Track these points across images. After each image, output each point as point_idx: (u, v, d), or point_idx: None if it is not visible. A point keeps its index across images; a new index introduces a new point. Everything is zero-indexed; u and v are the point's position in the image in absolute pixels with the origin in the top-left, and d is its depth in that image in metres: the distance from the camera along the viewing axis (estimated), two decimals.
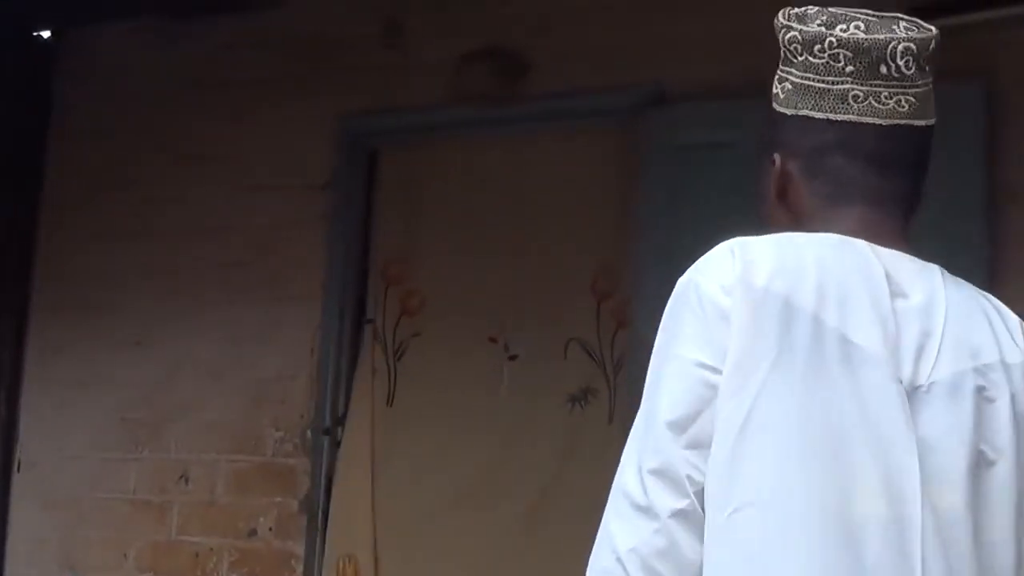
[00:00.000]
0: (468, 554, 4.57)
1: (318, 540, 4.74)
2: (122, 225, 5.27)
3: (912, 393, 1.50)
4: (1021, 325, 1.65)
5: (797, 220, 1.68)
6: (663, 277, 4.81)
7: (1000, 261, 3.71)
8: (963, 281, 1.67)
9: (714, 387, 1.47)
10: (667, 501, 1.46)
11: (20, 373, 5.40)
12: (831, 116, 1.65)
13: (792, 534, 1.43)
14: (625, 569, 1.46)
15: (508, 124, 4.73)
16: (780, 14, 1.71)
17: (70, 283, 5.34)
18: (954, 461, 1.49)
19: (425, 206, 4.91)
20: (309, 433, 4.80)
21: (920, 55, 1.65)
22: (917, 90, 1.67)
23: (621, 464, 1.52)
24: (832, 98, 1.64)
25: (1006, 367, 1.57)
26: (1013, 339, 1.61)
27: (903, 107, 1.65)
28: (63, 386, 5.29)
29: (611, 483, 1.57)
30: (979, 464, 1.51)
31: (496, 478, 4.57)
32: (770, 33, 1.77)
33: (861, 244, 1.59)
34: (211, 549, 4.89)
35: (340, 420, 4.83)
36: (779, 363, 1.46)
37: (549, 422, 4.54)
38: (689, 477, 1.46)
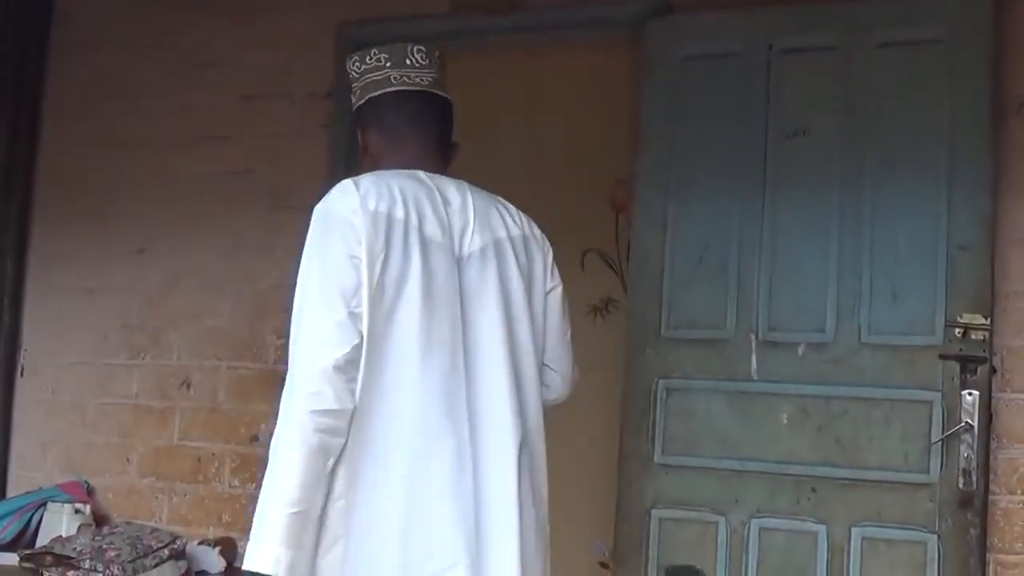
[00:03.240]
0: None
1: None
2: (124, 134, 5.26)
3: (460, 261, 2.53)
4: (518, 211, 2.72)
5: (376, 162, 2.65)
6: (664, 185, 4.75)
7: (1004, 173, 3.68)
8: (481, 189, 2.68)
9: (360, 269, 2.37)
10: (350, 337, 2.35)
11: (23, 281, 5.43)
12: (384, 91, 2.68)
13: (408, 345, 2.42)
14: (327, 377, 2.32)
15: (512, 34, 4.68)
16: (347, 57, 2.78)
17: (72, 192, 5.35)
18: (485, 299, 2.54)
19: None
20: None
21: (429, 55, 2.72)
22: (433, 73, 2.72)
23: (304, 322, 2.37)
24: (382, 81, 2.68)
25: (511, 239, 2.64)
26: (514, 221, 2.68)
27: (426, 81, 2.70)
28: (65, 293, 5.32)
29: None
30: (505, 299, 2.56)
31: None
32: None
33: (421, 174, 2.59)
34: (213, 454, 4.94)
35: None
36: (388, 254, 2.41)
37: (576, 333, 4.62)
38: (358, 323, 2.36)
